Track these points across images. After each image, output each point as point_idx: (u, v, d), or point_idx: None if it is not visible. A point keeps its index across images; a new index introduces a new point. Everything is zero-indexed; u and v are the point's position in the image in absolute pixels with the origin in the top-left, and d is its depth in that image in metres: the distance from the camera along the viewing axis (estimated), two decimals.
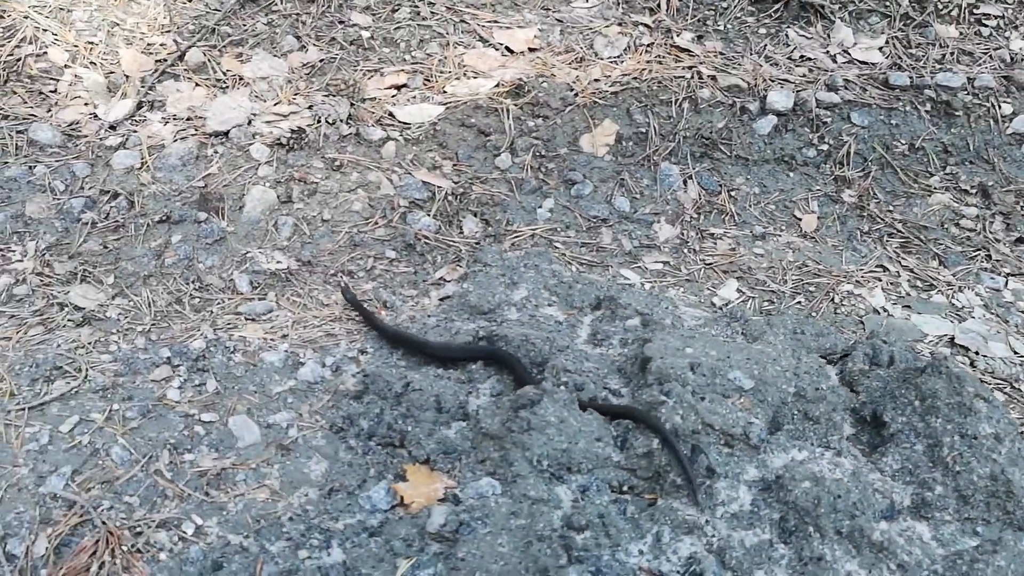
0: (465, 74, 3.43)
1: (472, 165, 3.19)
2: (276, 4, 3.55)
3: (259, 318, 2.65)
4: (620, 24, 3.68)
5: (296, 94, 3.31)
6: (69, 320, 2.58)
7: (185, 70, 3.32)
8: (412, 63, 3.47)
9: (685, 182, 3.26)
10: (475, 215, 3.05)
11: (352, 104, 3.25)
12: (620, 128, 3.32)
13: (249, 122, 3.17)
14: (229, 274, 2.77)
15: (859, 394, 2.39)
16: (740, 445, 2.17)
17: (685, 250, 3.08)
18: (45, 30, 3.32)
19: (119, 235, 2.83)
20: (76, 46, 3.30)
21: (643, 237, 3.10)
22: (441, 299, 2.78)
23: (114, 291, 2.69)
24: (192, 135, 3.12)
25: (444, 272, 2.87)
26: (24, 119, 3.08)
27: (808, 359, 2.44)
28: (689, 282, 2.97)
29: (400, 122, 3.25)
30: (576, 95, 3.36)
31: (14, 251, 2.75)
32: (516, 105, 3.31)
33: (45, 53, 3.27)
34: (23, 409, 2.25)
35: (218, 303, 2.69)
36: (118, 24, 3.40)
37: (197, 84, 3.29)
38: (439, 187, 3.08)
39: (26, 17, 3.32)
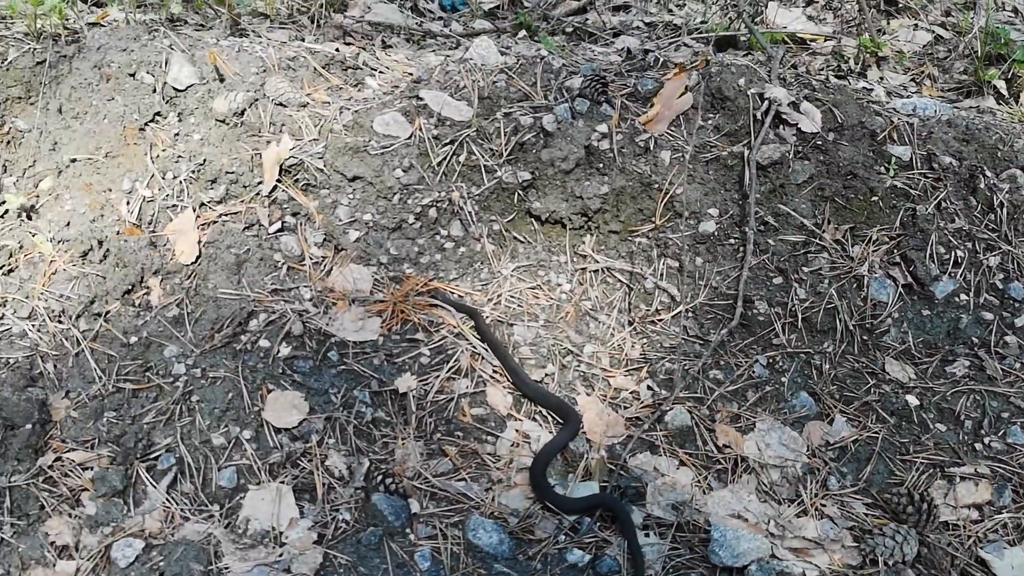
0: None
1: None
2: (776, 334, 2.55)
3: None
4: None
5: (826, 496, 2.26)
6: None
7: (666, 436, 2.36)
8: (988, 458, 2.34)
9: None
10: None
11: (920, 535, 2.15)
12: None
13: (772, 554, 2.14)
14: None
15: None
16: None
17: None
18: (482, 356, 2.47)
19: None
20: None
21: None
22: None
23: None
24: (689, 567, 2.12)
25: None
26: (457, 504, 2.20)
27: None
28: None
29: None
30: None
31: None
32: None
33: (483, 392, 2.42)
34: None
35: None
36: (573, 352, 2.51)
37: (682, 462, 2.32)
38: None
39: (458, 335, 2.50)
